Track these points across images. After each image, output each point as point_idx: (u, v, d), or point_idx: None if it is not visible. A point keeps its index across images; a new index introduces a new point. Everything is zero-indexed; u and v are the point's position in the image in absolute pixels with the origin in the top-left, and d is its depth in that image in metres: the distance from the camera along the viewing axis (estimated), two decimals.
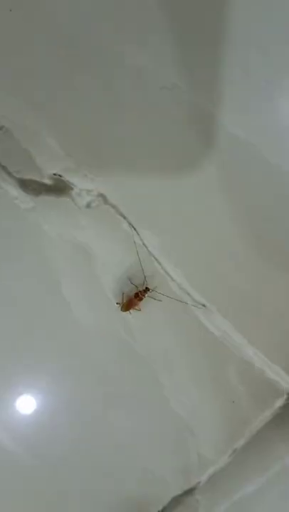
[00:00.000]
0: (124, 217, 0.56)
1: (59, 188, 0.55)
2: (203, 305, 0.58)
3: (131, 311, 0.57)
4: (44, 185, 0.55)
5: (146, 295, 0.55)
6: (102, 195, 0.56)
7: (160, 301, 0.57)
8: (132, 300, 0.56)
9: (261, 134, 0.54)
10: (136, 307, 0.56)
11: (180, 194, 0.57)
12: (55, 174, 0.55)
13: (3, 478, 0.58)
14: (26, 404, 0.58)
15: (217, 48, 0.51)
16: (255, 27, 0.51)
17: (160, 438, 0.61)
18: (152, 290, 0.56)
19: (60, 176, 0.55)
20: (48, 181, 0.55)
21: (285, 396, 0.59)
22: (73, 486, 0.60)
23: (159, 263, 0.57)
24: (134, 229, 0.56)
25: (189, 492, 0.61)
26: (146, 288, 0.56)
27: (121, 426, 0.60)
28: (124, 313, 0.57)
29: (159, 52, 0.52)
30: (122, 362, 0.59)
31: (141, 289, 0.56)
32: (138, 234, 0.56)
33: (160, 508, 0.60)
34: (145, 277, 0.56)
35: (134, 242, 0.55)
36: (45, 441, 0.59)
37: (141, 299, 0.56)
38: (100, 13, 0.51)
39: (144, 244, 0.56)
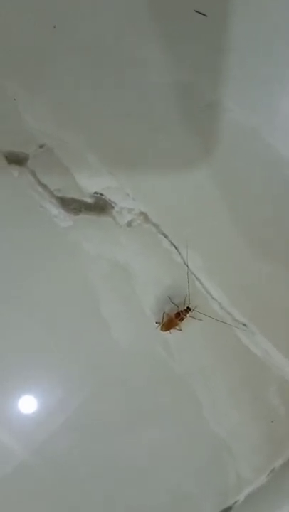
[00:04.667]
0: (166, 236, 0.55)
1: (100, 206, 0.55)
2: (244, 324, 0.57)
3: (171, 330, 0.56)
4: (85, 203, 0.54)
5: (187, 315, 0.55)
6: (143, 214, 0.55)
7: (201, 320, 0.56)
8: (172, 320, 0.55)
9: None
10: (176, 327, 0.56)
11: (220, 214, 0.56)
12: (96, 193, 0.54)
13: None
14: (61, 423, 0.58)
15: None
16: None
17: (197, 456, 0.60)
18: (193, 310, 0.55)
19: (101, 194, 0.54)
20: (88, 200, 0.54)
21: None
22: (105, 503, 0.59)
23: (200, 282, 0.56)
24: (176, 248, 0.55)
25: (226, 511, 0.60)
26: (188, 308, 0.55)
27: (156, 444, 0.59)
28: (164, 332, 0.56)
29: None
30: (160, 381, 0.58)
31: (182, 309, 0.55)
32: (179, 253, 0.55)
33: None
34: (187, 296, 0.55)
35: (186, 265, 0.55)
36: (78, 456, 0.58)
37: (182, 319, 0.55)
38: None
39: (185, 263, 0.56)
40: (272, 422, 0.59)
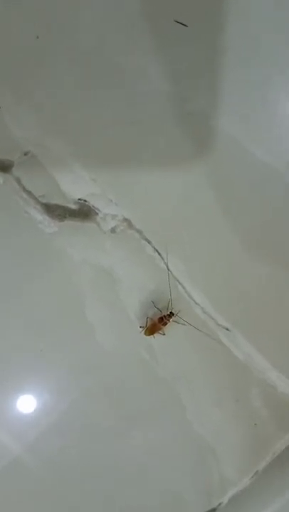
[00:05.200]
0: (149, 242, 0.56)
1: (84, 212, 0.55)
2: (227, 329, 0.58)
3: (154, 335, 0.57)
4: (69, 209, 0.55)
5: (170, 320, 0.55)
6: (127, 220, 0.56)
7: (184, 324, 0.57)
8: (156, 324, 0.56)
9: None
10: (160, 331, 0.56)
11: (204, 219, 0.56)
12: (80, 199, 0.55)
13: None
14: (51, 423, 0.58)
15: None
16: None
17: (181, 459, 0.61)
18: (176, 315, 0.56)
19: (84, 200, 0.55)
20: (72, 206, 0.55)
21: None
22: (91, 505, 0.60)
23: (183, 287, 0.57)
24: (159, 253, 0.56)
25: None
26: (171, 313, 0.56)
27: (141, 446, 0.60)
28: (148, 336, 0.57)
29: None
30: (144, 384, 0.59)
31: (165, 314, 0.56)
32: (162, 258, 0.56)
33: None
34: (170, 301, 0.56)
35: (168, 269, 0.55)
36: (67, 456, 0.59)
37: (165, 324, 0.56)
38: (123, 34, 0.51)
39: (168, 268, 0.56)
40: (255, 424, 0.60)
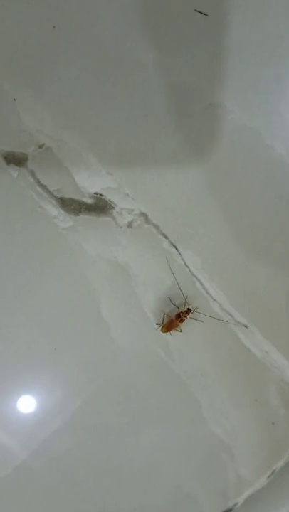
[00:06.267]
0: (166, 237, 0.55)
1: (100, 207, 0.54)
2: (245, 325, 0.57)
3: (171, 331, 0.56)
4: (84, 204, 0.54)
5: (188, 316, 0.54)
6: (143, 215, 0.55)
7: (201, 321, 0.56)
8: (172, 321, 0.55)
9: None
10: (177, 328, 0.55)
11: (220, 215, 0.55)
12: (95, 193, 0.54)
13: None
14: (61, 424, 0.57)
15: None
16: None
17: (195, 458, 0.60)
18: (194, 311, 0.55)
19: (100, 195, 0.54)
20: (88, 200, 0.54)
21: None
22: (101, 505, 0.59)
23: (201, 283, 0.56)
24: (176, 249, 0.55)
25: None
26: (188, 309, 0.55)
27: (154, 444, 0.59)
28: (164, 333, 0.56)
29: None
30: (159, 381, 0.58)
31: (183, 310, 0.55)
32: (180, 254, 0.55)
33: None
34: (186, 298, 0.55)
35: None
36: (78, 457, 0.58)
37: (182, 321, 0.55)
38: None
39: (185, 264, 0.55)
40: (272, 423, 0.59)
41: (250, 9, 0.50)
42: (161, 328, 0.55)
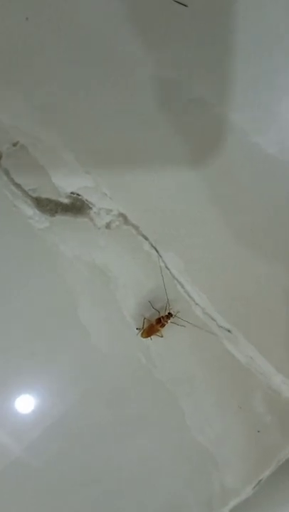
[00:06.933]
0: (146, 239, 0.53)
1: (76, 207, 0.52)
2: (228, 330, 0.55)
3: (152, 336, 0.54)
4: (61, 204, 0.52)
5: (169, 321, 0.52)
6: (122, 215, 0.53)
7: (183, 326, 0.54)
8: (153, 326, 0.53)
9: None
10: (158, 333, 0.53)
11: (203, 215, 0.53)
12: (72, 193, 0.52)
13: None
14: (46, 426, 0.55)
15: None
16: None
17: (181, 467, 0.58)
18: (175, 315, 0.53)
19: (77, 194, 0.52)
20: (64, 200, 0.52)
21: None
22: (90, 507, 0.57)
23: (183, 286, 0.54)
24: (157, 251, 0.53)
25: None
26: (169, 313, 0.53)
27: (138, 451, 0.57)
28: (145, 339, 0.54)
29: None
30: (141, 387, 0.56)
31: (163, 315, 0.52)
32: (160, 256, 0.53)
33: None
34: (168, 301, 0.53)
35: (160, 266, 0.52)
36: (64, 460, 0.56)
37: (163, 325, 0.52)
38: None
39: (166, 266, 0.53)
40: (258, 431, 0.57)
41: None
42: (142, 334, 0.53)
